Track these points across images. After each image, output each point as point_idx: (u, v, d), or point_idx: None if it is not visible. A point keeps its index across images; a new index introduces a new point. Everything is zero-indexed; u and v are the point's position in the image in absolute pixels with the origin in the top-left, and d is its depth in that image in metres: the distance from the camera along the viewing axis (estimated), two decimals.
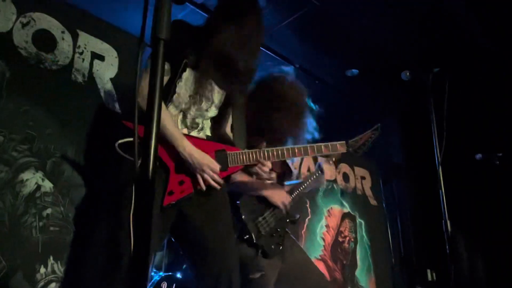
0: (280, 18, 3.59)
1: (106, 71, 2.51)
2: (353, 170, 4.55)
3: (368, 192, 4.63)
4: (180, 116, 1.78)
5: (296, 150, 1.82)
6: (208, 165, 1.69)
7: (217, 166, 1.71)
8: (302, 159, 4.12)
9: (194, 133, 1.79)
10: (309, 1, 3.40)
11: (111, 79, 2.52)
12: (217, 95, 1.85)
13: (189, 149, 1.67)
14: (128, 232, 1.43)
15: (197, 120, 1.79)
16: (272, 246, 2.07)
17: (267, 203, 2.13)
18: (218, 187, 1.72)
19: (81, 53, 2.43)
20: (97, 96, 2.45)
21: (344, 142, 1.90)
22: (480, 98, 4.55)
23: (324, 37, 3.73)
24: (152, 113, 0.87)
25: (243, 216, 2.04)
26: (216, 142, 1.82)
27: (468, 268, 5.39)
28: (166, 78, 1.70)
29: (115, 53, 2.59)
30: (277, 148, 1.81)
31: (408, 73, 2.72)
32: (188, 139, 1.69)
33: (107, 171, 2.19)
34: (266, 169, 1.82)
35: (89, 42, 2.47)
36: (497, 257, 5.39)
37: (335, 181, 4.30)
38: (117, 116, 2.45)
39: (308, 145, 1.83)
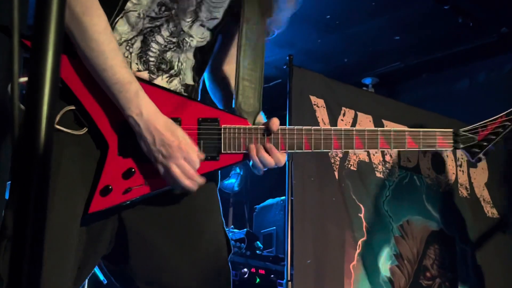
0: None
1: None
2: (453, 152, 3.33)
3: (482, 194, 3.42)
4: (137, 44, 1.34)
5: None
6: (181, 149, 1.29)
7: (195, 155, 1.29)
8: None
9: (161, 82, 1.38)
10: None
11: None
12: (213, 3, 1.41)
13: (147, 115, 1.28)
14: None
15: (168, 56, 1.39)
16: None
17: None
18: (194, 189, 1.31)
19: None
20: None
21: (450, 131, 1.43)
22: None
23: None
24: (45, 11, 0.56)
25: None
26: (202, 103, 1.39)
27: None
28: None
29: None
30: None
31: None
32: (148, 92, 1.28)
33: None
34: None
35: None
36: None
37: (416, 169, 3.08)
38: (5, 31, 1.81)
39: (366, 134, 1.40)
